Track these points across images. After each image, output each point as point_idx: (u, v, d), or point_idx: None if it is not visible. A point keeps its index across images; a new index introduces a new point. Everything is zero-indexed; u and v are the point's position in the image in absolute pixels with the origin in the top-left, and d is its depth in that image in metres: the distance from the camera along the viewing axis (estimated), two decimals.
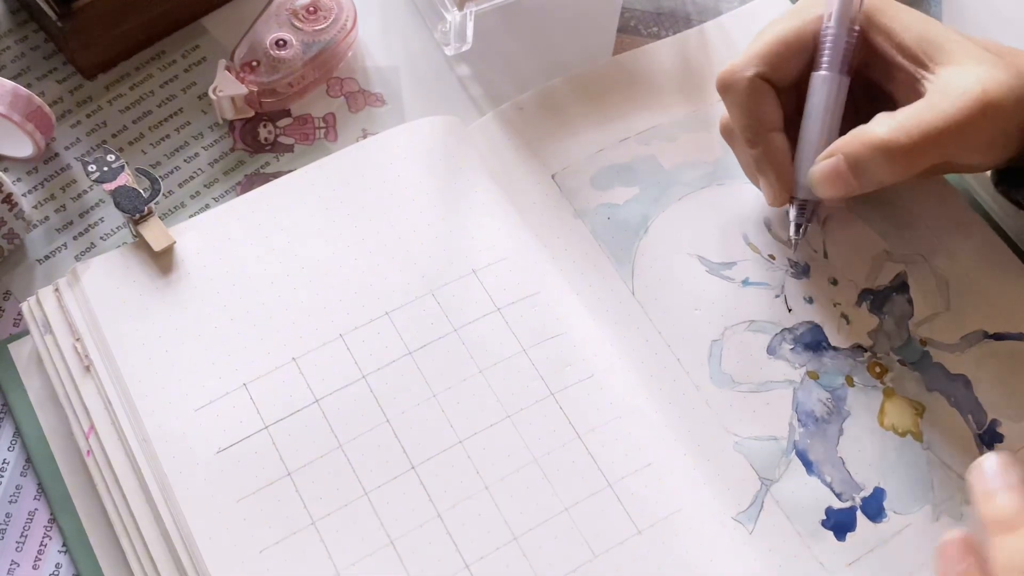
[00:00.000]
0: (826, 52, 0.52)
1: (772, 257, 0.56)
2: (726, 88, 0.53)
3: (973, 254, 0.57)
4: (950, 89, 0.49)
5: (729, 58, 0.61)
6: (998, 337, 0.55)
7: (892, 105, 0.52)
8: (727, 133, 0.56)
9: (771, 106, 0.53)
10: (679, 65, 0.62)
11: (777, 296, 0.55)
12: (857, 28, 0.52)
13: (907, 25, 0.52)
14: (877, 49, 0.52)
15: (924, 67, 0.51)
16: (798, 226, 0.54)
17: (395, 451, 0.49)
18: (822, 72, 0.52)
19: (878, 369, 0.53)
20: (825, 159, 0.51)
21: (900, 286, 0.56)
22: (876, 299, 0.55)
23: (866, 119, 0.51)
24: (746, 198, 0.57)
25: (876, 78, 0.53)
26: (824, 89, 0.52)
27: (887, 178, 0.50)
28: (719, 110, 0.58)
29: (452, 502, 0.48)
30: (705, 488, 0.50)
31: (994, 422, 0.52)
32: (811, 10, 0.53)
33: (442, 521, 0.47)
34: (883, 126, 0.50)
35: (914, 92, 0.51)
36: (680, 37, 0.63)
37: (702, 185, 0.58)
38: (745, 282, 0.55)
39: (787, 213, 0.55)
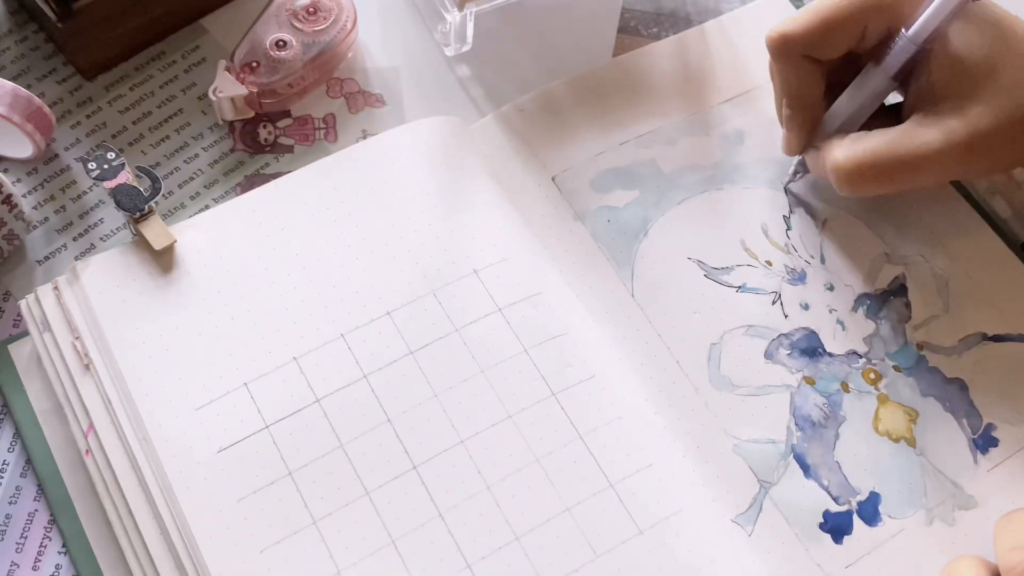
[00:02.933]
0: (889, 57, 0.52)
1: (769, 263, 0.56)
2: (775, 55, 0.54)
3: (974, 255, 0.57)
4: (938, 122, 0.50)
5: (730, 59, 0.62)
6: (997, 339, 0.55)
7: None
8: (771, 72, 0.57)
9: (814, 86, 0.54)
10: (679, 67, 0.62)
11: (774, 302, 0.55)
12: (928, 47, 0.51)
13: (969, 50, 0.50)
14: (927, 57, 0.51)
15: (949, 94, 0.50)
16: (795, 172, 0.58)
17: (396, 451, 0.48)
18: (877, 69, 0.52)
19: (873, 375, 0.54)
20: (827, 150, 0.53)
21: (898, 289, 0.56)
22: (873, 303, 0.55)
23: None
24: (744, 203, 0.58)
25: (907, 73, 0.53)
26: (870, 86, 0.53)
27: (874, 189, 0.52)
28: (719, 114, 0.59)
29: (453, 502, 0.48)
30: (705, 489, 0.50)
31: (990, 426, 0.53)
32: None
33: (443, 521, 0.47)
34: (870, 141, 0.51)
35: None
36: (680, 37, 0.63)
37: (701, 189, 0.58)
38: (742, 288, 0.55)
39: (792, 173, 0.58)
